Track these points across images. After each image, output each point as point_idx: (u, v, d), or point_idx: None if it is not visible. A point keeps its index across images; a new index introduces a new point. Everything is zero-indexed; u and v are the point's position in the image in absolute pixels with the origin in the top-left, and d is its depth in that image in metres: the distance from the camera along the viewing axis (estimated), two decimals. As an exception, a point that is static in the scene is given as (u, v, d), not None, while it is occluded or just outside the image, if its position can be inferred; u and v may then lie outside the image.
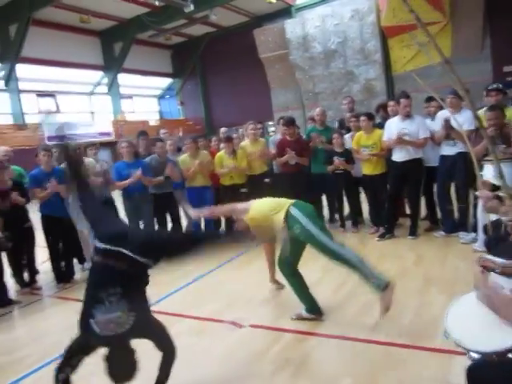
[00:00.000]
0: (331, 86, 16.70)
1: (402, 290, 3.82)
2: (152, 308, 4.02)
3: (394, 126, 5.30)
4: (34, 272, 5.18)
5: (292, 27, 17.02)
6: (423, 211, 5.83)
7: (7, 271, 4.89)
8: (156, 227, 5.76)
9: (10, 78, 17.20)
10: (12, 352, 3.49)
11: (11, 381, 3.03)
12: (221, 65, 22.57)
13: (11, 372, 3.15)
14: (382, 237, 5.50)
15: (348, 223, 6.14)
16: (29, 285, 5.09)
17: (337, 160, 5.78)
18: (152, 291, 4.57)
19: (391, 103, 5.86)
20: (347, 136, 6.08)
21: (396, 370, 2.64)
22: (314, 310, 3.49)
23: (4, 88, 17.55)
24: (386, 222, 5.57)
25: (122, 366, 2.36)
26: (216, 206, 4.85)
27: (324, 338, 3.14)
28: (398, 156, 5.30)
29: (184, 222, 6.25)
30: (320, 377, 2.66)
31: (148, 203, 5.63)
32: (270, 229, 3.50)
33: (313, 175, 6.31)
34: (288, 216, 3.37)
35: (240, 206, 3.71)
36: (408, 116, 5.23)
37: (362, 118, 5.64)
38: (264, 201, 3.69)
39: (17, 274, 5.06)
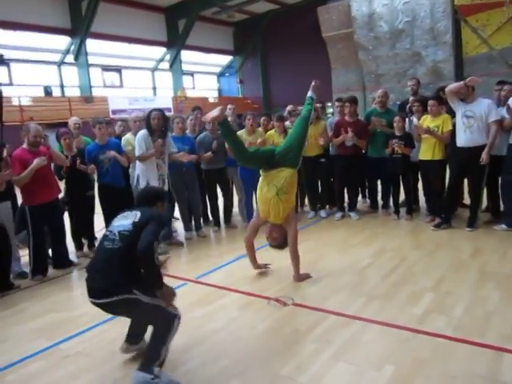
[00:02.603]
0: (395, 67, 16.01)
1: (455, 282, 3.70)
2: (201, 280, 4.20)
3: (458, 108, 5.00)
4: (92, 238, 5.48)
5: (358, 5, 16.40)
6: (484, 202, 5.51)
7: (68, 236, 5.19)
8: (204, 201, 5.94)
9: (79, 52, 17.98)
10: (71, 309, 3.74)
11: (71, 334, 3.26)
12: (282, 43, 22.29)
13: (71, 327, 3.38)
14: (437, 226, 5.28)
15: (402, 210, 5.94)
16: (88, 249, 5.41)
17: (394, 142, 5.57)
18: (202, 264, 4.74)
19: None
20: (413, 117, 5.81)
21: (442, 362, 2.56)
22: None
23: (73, 62, 18.39)
24: (444, 212, 5.33)
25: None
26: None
27: (368, 323, 3.09)
28: (464, 141, 5.00)
29: (236, 199, 6.31)
30: (361, 361, 2.63)
31: (195, 177, 5.71)
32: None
33: (369, 159, 6.14)
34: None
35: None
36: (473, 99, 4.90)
37: (431, 102, 5.34)
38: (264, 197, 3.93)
39: (76, 239, 5.37)
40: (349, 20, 16.72)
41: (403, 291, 3.59)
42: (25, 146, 4.55)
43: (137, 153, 5.00)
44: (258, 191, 4.02)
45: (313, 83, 4.38)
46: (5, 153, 4.37)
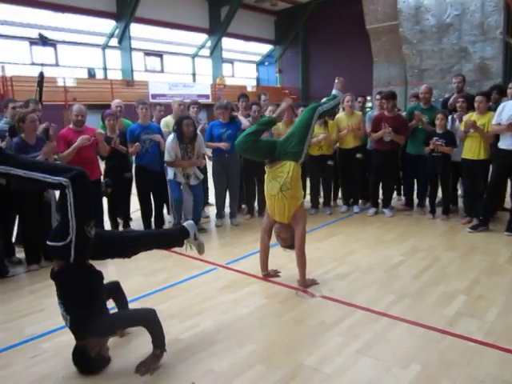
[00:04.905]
0: (440, 63, 15.51)
1: (489, 287, 3.61)
2: (232, 266, 4.26)
3: (509, 109, 4.81)
4: (127, 218, 5.64)
5: (405, -3, 15.93)
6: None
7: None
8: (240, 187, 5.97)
9: (123, 36, 18.32)
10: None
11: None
12: (324, 34, 21.99)
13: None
14: (474, 228, 5.13)
15: (438, 210, 5.81)
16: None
17: (436, 140, 5.43)
18: (232, 250, 4.80)
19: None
20: (456, 115, 5.65)
21: (471, 366, 2.51)
22: None
23: (117, 45, 18.77)
24: (482, 214, 5.17)
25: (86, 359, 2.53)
26: None
27: (396, 321, 3.06)
28: (507, 144, 4.83)
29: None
30: (386, 358, 2.61)
31: (236, 164, 5.77)
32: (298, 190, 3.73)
33: (408, 155, 6.02)
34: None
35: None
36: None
37: (479, 98, 5.15)
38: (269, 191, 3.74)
39: (112, 218, 5.54)
40: (394, 12, 16.28)
41: (434, 292, 3.53)
42: (71, 125, 4.74)
43: (165, 158, 5.14)
44: (264, 188, 3.80)
45: (336, 80, 4.15)
46: (51, 131, 4.55)
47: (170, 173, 5.18)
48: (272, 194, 3.66)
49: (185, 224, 3.13)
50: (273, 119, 3.90)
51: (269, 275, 3.94)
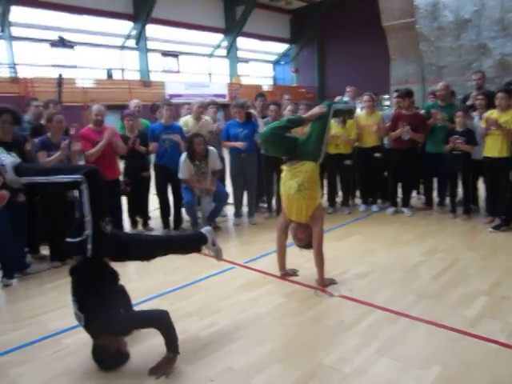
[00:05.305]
0: (459, 59, 15.25)
1: (512, 287, 3.54)
2: (249, 265, 4.27)
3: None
4: (146, 217, 5.70)
5: (422, -7, 15.72)
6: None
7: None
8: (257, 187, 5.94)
9: (140, 37, 18.51)
10: (126, 283, 3.91)
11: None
12: (339, 32, 21.85)
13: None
14: (496, 228, 5.04)
15: (459, 209, 5.72)
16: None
17: (456, 139, 5.35)
18: (250, 249, 4.81)
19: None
20: (475, 114, 5.56)
21: (492, 367, 2.47)
22: None
23: (134, 46, 18.97)
24: (505, 213, 5.07)
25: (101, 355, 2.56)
26: None
27: (416, 321, 3.02)
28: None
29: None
30: (407, 358, 2.59)
31: (253, 164, 5.78)
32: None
33: (427, 154, 5.94)
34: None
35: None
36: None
37: (500, 95, 5.04)
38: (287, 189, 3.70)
39: (131, 217, 5.60)
40: (411, 9, 16.06)
41: (455, 292, 3.48)
42: (90, 125, 4.82)
43: (179, 175, 5.21)
44: (281, 187, 3.80)
45: (348, 89, 4.15)
46: (72, 131, 4.65)
47: (181, 174, 5.22)
48: (289, 193, 3.64)
49: (203, 230, 3.16)
50: (303, 119, 3.88)
51: (287, 274, 3.94)
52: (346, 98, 4.10)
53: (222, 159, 6.05)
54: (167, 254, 3.08)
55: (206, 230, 3.15)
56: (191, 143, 5.12)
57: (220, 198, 5.41)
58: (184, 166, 5.17)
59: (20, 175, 2.54)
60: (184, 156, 5.19)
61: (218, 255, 3.20)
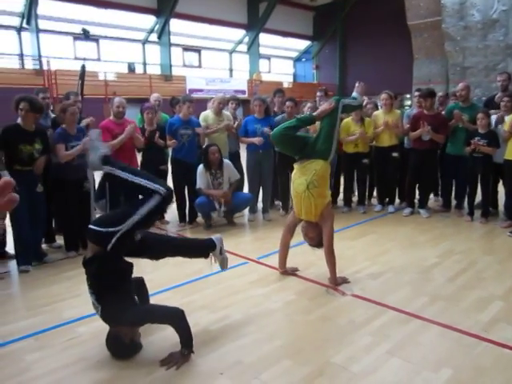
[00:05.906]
0: (485, 60, 14.93)
1: (529, 293, 3.47)
2: (262, 260, 4.28)
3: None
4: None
5: (449, -8, 15.42)
6: None
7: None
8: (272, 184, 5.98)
9: (163, 31, 18.63)
10: (140, 274, 3.97)
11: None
12: (363, 30, 21.61)
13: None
14: (515, 233, 4.95)
15: (477, 213, 5.62)
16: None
17: (478, 141, 5.25)
18: (264, 245, 4.81)
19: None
20: (493, 117, 5.45)
21: (505, 373, 2.43)
22: None
23: (157, 41, 19.11)
24: (524, 218, 4.98)
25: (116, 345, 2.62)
26: None
27: (429, 324, 2.99)
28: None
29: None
30: (417, 360, 2.57)
31: (270, 160, 5.79)
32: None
33: (447, 156, 5.85)
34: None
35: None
36: None
37: None
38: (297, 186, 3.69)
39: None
40: (437, 7, 15.77)
41: (469, 296, 3.43)
42: (111, 117, 4.91)
43: (197, 185, 5.29)
44: (291, 185, 3.79)
45: (357, 84, 4.10)
46: (87, 121, 4.74)
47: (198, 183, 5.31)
48: (298, 191, 3.64)
49: (213, 237, 3.20)
50: (314, 117, 3.86)
51: (286, 272, 3.94)
52: (354, 94, 4.06)
53: (239, 155, 6.08)
54: (175, 256, 3.15)
55: (216, 238, 3.19)
56: (206, 152, 5.24)
57: (244, 205, 5.64)
58: (201, 176, 5.28)
59: (104, 164, 2.65)
60: (201, 166, 5.29)
61: (223, 264, 3.22)
